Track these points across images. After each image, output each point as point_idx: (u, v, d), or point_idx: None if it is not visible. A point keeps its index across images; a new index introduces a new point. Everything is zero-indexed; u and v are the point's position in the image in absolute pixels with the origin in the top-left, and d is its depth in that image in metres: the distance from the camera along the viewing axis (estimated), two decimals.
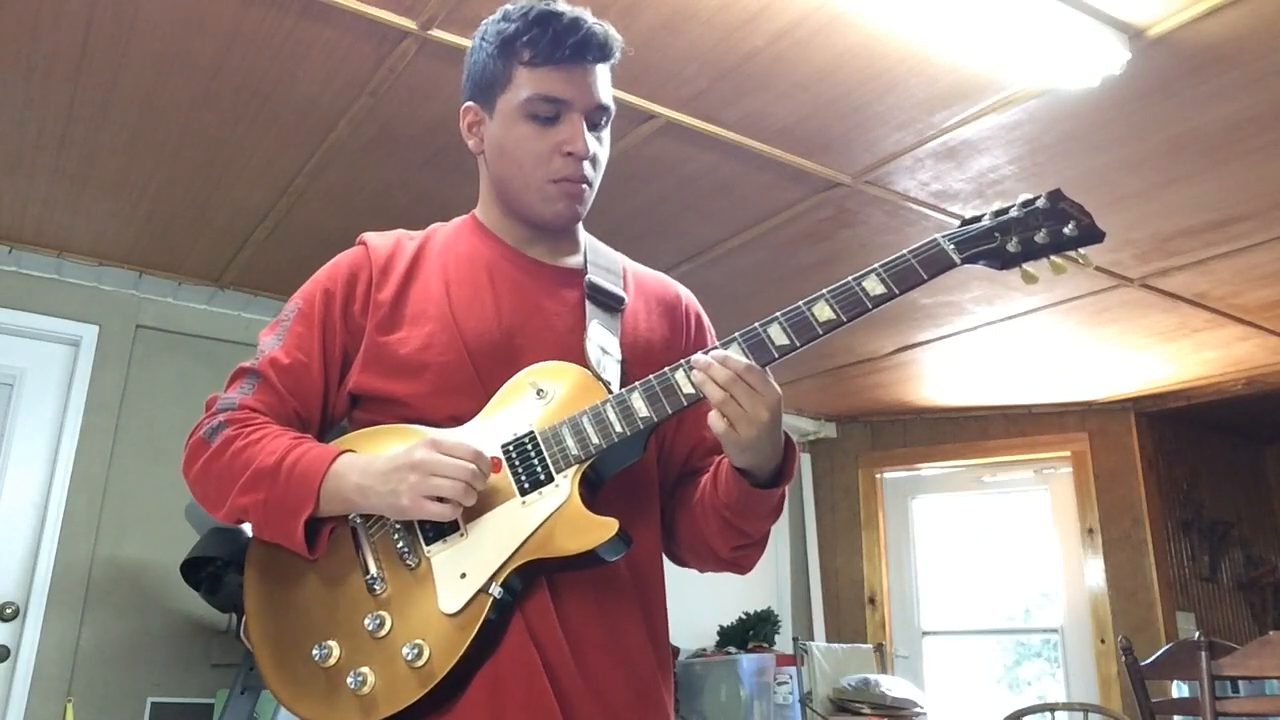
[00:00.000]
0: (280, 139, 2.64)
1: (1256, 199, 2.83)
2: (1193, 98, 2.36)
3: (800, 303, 1.16)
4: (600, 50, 1.26)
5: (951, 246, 1.16)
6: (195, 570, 2.82)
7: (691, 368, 1.15)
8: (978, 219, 1.18)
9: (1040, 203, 1.16)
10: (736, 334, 1.16)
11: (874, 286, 1.15)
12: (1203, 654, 2.55)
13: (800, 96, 2.40)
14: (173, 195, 2.96)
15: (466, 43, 2.18)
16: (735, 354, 1.14)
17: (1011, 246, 1.16)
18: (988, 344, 3.95)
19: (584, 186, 1.28)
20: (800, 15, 2.10)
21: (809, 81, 2.34)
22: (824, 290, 1.16)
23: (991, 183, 2.78)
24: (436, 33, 2.18)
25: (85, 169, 2.81)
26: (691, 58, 2.26)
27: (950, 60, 2.25)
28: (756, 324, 1.16)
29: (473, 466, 1.10)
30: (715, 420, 1.13)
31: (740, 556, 1.29)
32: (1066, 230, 1.15)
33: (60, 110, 2.52)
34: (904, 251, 1.16)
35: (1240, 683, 3.02)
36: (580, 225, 1.38)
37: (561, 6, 1.27)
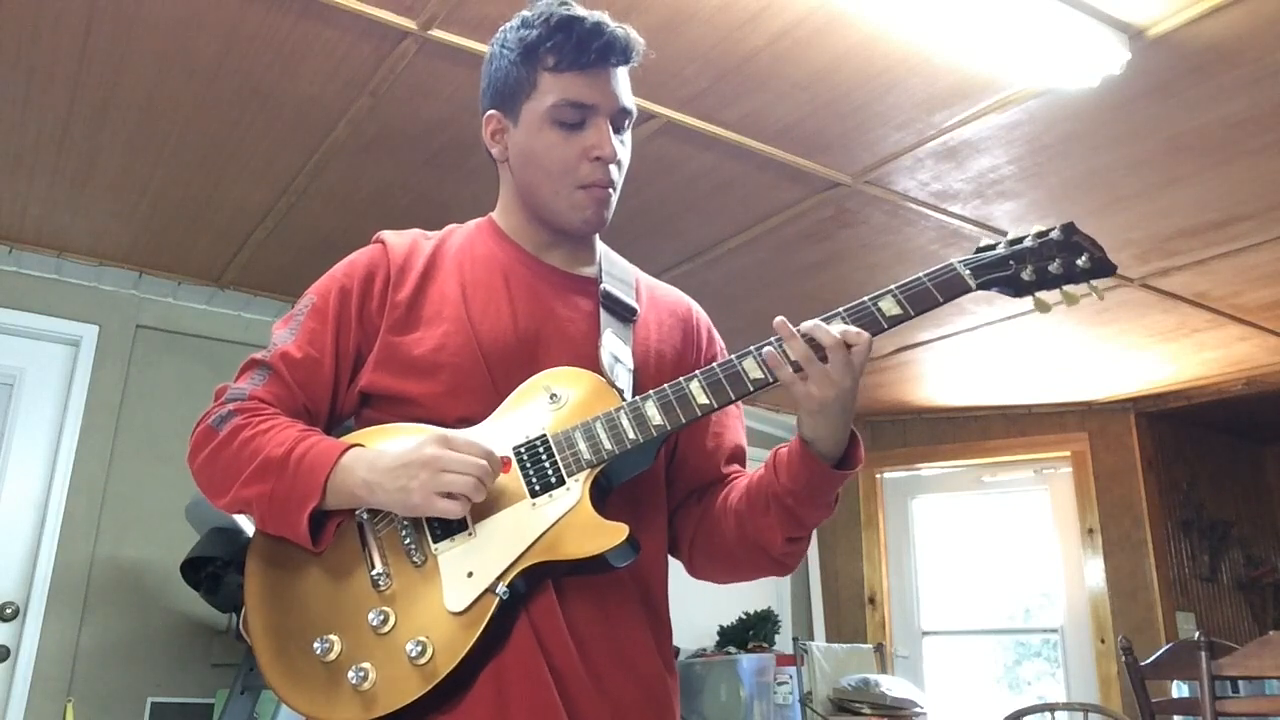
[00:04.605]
0: (280, 139, 2.64)
1: (1256, 199, 2.83)
2: (1193, 98, 2.36)
3: (818, 319, 1.16)
4: (623, 53, 1.27)
5: (967, 272, 1.18)
6: (195, 570, 2.82)
7: (762, 354, 1.15)
8: (992, 246, 1.20)
9: (1055, 234, 1.20)
10: (751, 349, 1.17)
11: (890, 307, 1.16)
12: (1203, 654, 2.55)
13: (800, 96, 2.40)
14: (173, 195, 2.96)
15: (466, 43, 2.21)
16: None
17: (1026, 275, 1.19)
18: (988, 344, 3.95)
19: (610, 191, 1.29)
20: (800, 15, 2.11)
21: (809, 81, 2.34)
22: (840, 309, 1.17)
23: (991, 183, 2.78)
24: (436, 33, 2.18)
25: (85, 169, 2.81)
26: (691, 58, 2.26)
27: (950, 60, 2.25)
28: (769, 342, 1.16)
29: (484, 463, 1.11)
30: (787, 375, 1.13)
31: (790, 552, 1.26)
32: (1079, 262, 1.19)
33: (60, 110, 2.52)
34: (920, 275, 1.18)
35: (1240, 683, 3.02)
36: (597, 235, 1.38)
37: (581, 10, 1.27)
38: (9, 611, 3.13)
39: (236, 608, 2.93)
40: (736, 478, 1.33)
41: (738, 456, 1.38)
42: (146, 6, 2.12)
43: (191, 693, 3.31)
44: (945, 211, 2.94)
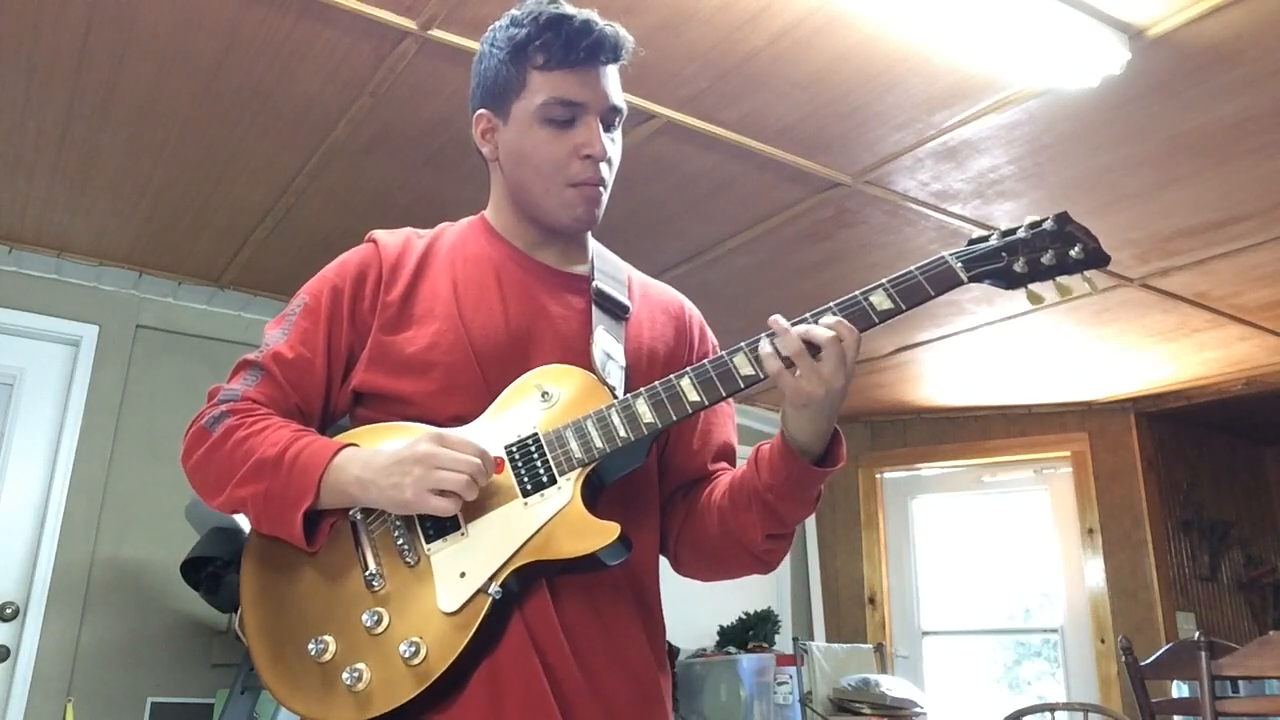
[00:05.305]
0: (280, 139, 2.64)
1: (1256, 199, 2.83)
2: (1193, 98, 2.36)
3: (808, 314, 1.15)
4: (612, 51, 1.27)
5: (959, 265, 1.17)
6: (195, 570, 2.82)
7: (754, 348, 1.14)
8: (985, 238, 1.19)
9: (1047, 224, 1.18)
10: (742, 344, 1.16)
11: (881, 301, 1.15)
12: (1203, 654, 2.55)
13: (800, 96, 2.40)
14: (173, 195, 2.96)
15: (466, 43, 2.21)
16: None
17: (1018, 267, 1.17)
18: (988, 344, 3.95)
19: (600, 189, 1.28)
20: (800, 15, 2.11)
21: (809, 81, 2.34)
22: (831, 303, 1.16)
23: (991, 183, 2.78)
24: (436, 33, 2.18)
25: (85, 169, 2.82)
26: (691, 58, 2.26)
27: (950, 60, 2.25)
28: (761, 337, 1.16)
29: (477, 461, 1.11)
30: (776, 368, 1.12)
31: (771, 550, 1.26)
32: (1073, 253, 1.17)
33: (60, 110, 2.52)
34: (912, 268, 1.17)
35: (1240, 683, 3.02)
36: (589, 232, 1.38)
37: (570, 9, 1.26)
38: (9, 611, 3.14)
39: (236, 608, 2.93)
40: (723, 474, 1.33)
41: (726, 454, 1.37)
42: (146, 6, 2.12)
43: (191, 693, 3.31)
44: (945, 211, 2.93)
